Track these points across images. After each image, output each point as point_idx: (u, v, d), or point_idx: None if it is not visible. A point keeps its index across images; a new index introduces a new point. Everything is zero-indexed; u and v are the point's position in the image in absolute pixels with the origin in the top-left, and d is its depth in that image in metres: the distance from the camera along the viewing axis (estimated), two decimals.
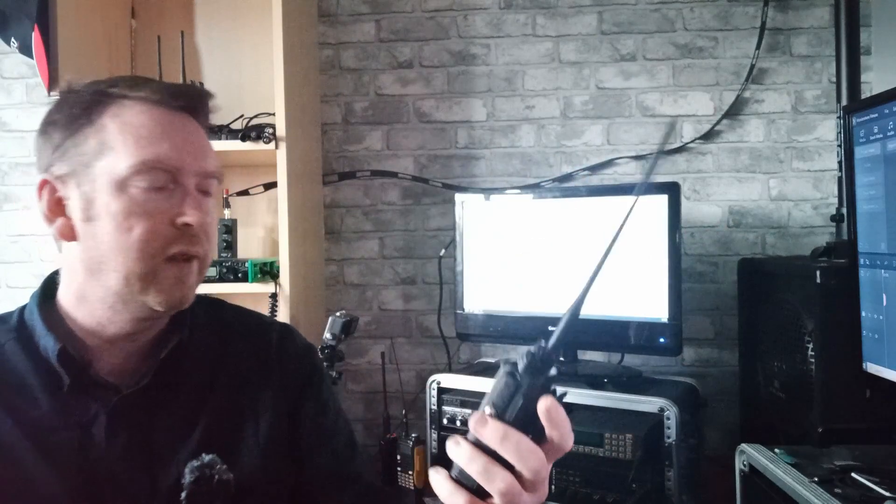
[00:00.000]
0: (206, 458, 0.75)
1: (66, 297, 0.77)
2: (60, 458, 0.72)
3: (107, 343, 0.76)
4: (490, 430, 0.54)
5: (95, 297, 0.75)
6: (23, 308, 0.80)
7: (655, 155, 0.92)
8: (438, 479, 0.56)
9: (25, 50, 1.62)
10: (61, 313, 0.77)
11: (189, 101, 0.77)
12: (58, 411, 0.73)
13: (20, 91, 2.04)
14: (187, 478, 0.74)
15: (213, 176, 0.78)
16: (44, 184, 0.75)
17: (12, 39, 1.64)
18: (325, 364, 1.41)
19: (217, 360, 0.83)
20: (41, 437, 0.72)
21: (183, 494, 0.73)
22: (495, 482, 0.54)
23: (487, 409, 0.56)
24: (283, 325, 0.93)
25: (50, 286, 0.80)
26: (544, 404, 0.55)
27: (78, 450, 0.73)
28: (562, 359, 1.62)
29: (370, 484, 0.91)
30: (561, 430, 0.55)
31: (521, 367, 0.56)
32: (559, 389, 0.57)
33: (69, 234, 0.74)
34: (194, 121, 0.78)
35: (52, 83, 1.61)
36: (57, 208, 0.74)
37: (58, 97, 0.77)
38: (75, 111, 0.74)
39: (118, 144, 0.72)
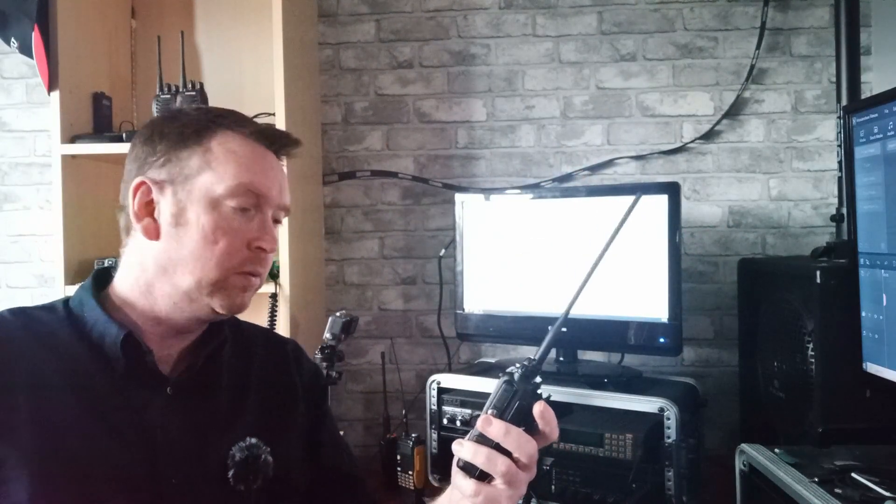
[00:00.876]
0: (252, 440, 0.86)
1: (128, 290, 0.84)
2: (123, 435, 0.78)
3: (160, 336, 0.84)
4: (495, 427, 0.73)
5: (162, 292, 0.83)
6: (66, 299, 0.86)
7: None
8: (456, 476, 0.75)
9: (25, 50, 1.62)
10: (119, 304, 0.84)
11: (283, 144, 0.90)
12: (115, 394, 0.80)
13: (20, 91, 2.04)
14: (236, 456, 0.84)
15: (285, 209, 0.91)
16: (141, 185, 0.83)
17: (12, 39, 1.64)
18: (325, 364, 1.41)
19: (246, 363, 0.93)
20: (105, 415, 0.78)
21: (231, 472, 0.83)
22: (497, 466, 0.71)
23: (491, 411, 0.74)
24: (294, 341, 1.05)
25: (101, 279, 0.87)
26: (539, 408, 0.74)
27: (137, 429, 0.79)
28: (561, 358, 1.62)
29: (370, 490, 1.04)
30: (552, 426, 0.75)
31: (517, 376, 0.75)
32: (545, 392, 0.76)
33: (153, 234, 0.83)
34: (279, 160, 0.91)
35: (52, 83, 1.61)
36: (147, 208, 0.83)
37: (167, 114, 0.90)
38: (187, 130, 0.84)
39: (220, 167, 0.82)
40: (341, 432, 1.09)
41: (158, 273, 0.82)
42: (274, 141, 0.89)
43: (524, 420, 0.73)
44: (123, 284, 0.85)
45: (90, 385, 0.79)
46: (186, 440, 0.82)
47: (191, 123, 0.85)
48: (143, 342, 0.81)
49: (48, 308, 0.86)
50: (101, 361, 0.80)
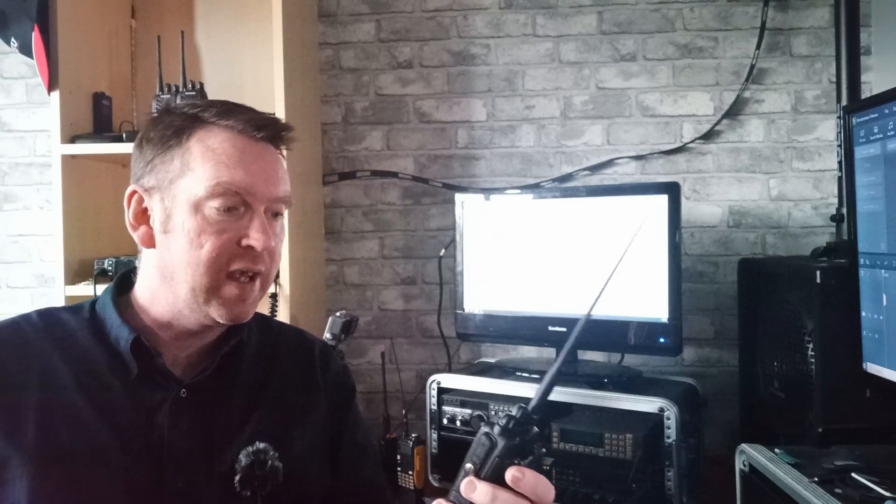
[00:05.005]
0: (260, 445, 0.82)
1: (141, 295, 0.85)
2: (129, 437, 0.78)
3: (174, 339, 0.84)
4: (480, 493, 0.61)
5: (165, 300, 0.82)
6: (94, 301, 0.87)
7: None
8: None
9: (25, 50, 1.62)
10: (136, 308, 0.85)
11: (271, 132, 0.84)
12: (126, 396, 0.80)
13: (20, 91, 2.04)
14: (242, 462, 0.81)
15: (282, 201, 0.84)
16: (133, 194, 0.82)
17: (12, 39, 1.64)
18: None
19: (269, 363, 0.92)
20: (112, 417, 0.78)
21: (237, 477, 0.80)
22: None
23: (468, 466, 0.63)
24: (324, 342, 1.03)
25: (124, 282, 0.87)
26: (510, 473, 0.61)
27: (144, 432, 0.79)
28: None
29: (390, 499, 1.02)
30: (532, 492, 0.61)
31: (496, 430, 0.63)
32: (535, 447, 0.64)
33: (148, 242, 0.82)
34: (274, 150, 0.85)
35: (52, 83, 1.61)
36: (141, 217, 0.82)
37: (155, 115, 0.86)
38: (168, 132, 0.81)
39: (198, 167, 0.79)
40: None
41: (160, 281, 0.82)
42: (262, 129, 0.82)
43: (503, 478, 0.62)
44: (138, 290, 0.85)
45: (103, 388, 0.79)
46: (194, 444, 0.81)
47: (172, 124, 0.81)
48: (151, 345, 0.81)
49: (75, 309, 0.86)
50: (118, 364, 0.80)
